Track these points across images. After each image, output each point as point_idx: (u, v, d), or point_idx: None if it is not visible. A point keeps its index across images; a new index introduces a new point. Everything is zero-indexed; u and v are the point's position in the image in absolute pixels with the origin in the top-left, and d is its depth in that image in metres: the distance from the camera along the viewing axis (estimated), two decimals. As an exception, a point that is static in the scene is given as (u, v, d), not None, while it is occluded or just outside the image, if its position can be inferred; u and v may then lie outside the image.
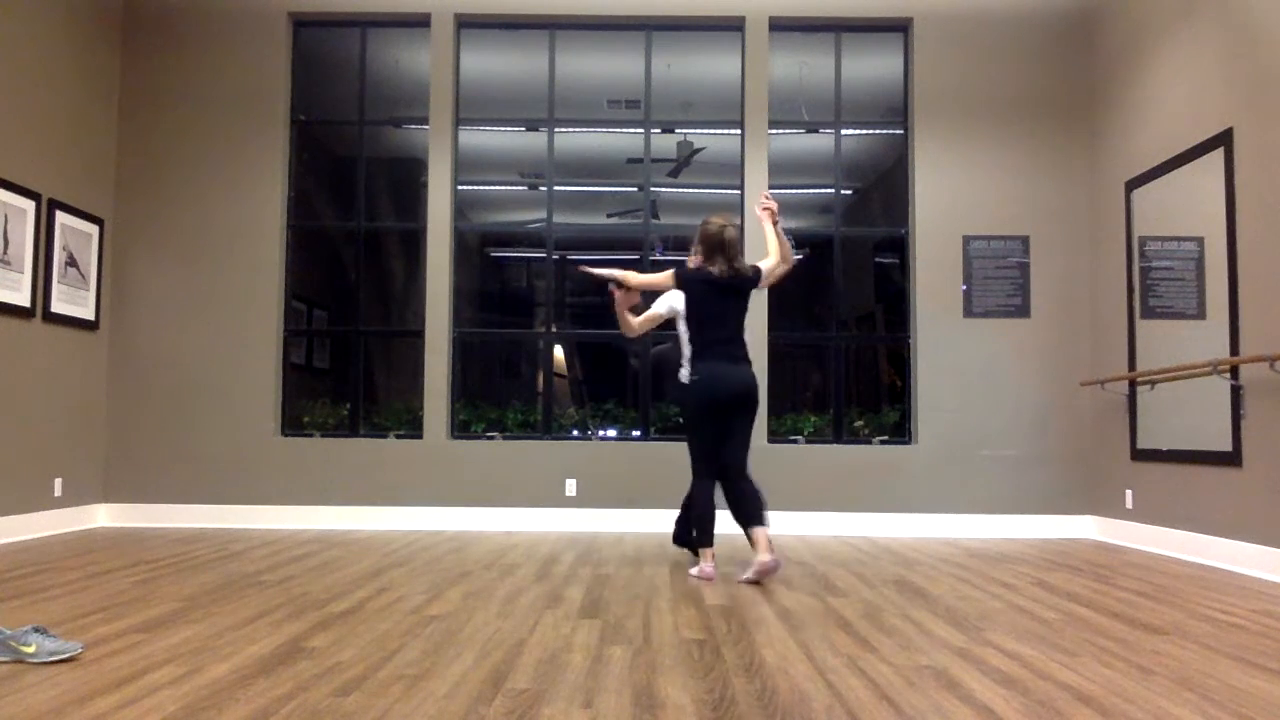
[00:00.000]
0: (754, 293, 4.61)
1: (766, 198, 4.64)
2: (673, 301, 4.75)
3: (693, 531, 4.52)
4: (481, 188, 7.13)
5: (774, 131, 6.72)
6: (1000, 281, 6.50)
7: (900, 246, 6.77)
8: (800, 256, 6.95)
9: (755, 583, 4.21)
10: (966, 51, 6.60)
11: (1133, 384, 5.89)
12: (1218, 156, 5.07)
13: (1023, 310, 6.48)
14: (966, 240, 6.52)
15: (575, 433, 6.74)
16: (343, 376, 6.78)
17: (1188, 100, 5.39)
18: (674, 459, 6.40)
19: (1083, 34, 6.58)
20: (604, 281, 4.62)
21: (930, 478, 6.39)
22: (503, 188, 7.36)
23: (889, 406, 6.76)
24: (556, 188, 6.82)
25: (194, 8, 6.66)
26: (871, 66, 6.85)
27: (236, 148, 6.60)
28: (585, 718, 2.24)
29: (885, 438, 6.60)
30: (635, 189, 6.92)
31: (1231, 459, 4.88)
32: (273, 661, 2.71)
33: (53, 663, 2.65)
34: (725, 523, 5.55)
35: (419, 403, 6.57)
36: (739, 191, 6.71)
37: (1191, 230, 5.34)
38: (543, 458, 6.47)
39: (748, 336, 4.60)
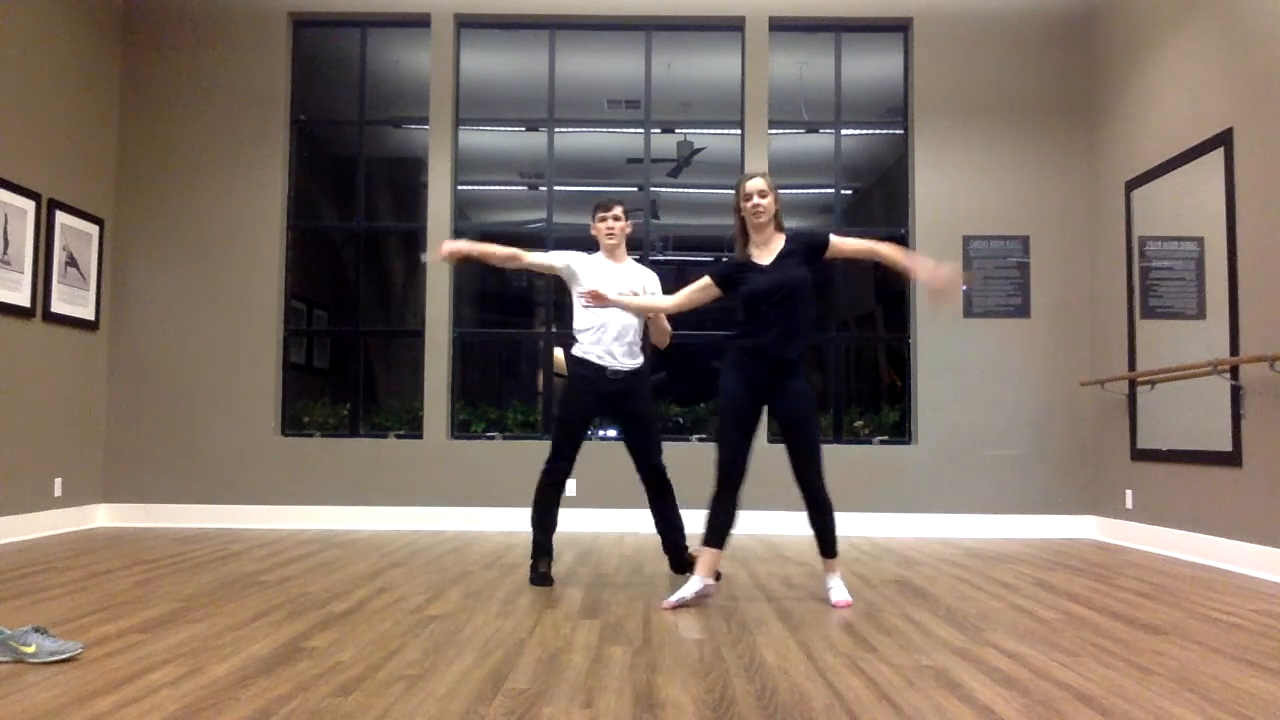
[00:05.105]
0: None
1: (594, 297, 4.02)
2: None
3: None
4: (481, 188, 7.13)
5: (774, 131, 6.71)
6: (1000, 281, 6.49)
7: (901, 246, 6.76)
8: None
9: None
10: (966, 51, 6.60)
11: (1133, 384, 5.88)
12: (1218, 156, 5.07)
13: (1023, 310, 6.48)
14: (966, 240, 6.51)
15: (575, 433, 6.73)
16: (343, 376, 6.78)
17: (1188, 100, 5.39)
18: (675, 459, 6.38)
19: (1083, 34, 6.58)
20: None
21: (930, 478, 6.38)
22: (503, 188, 7.37)
23: (889, 406, 6.76)
24: (556, 188, 6.82)
25: (194, 8, 6.66)
26: (871, 66, 6.85)
27: (236, 148, 6.60)
28: (585, 718, 2.23)
29: (885, 438, 6.60)
30: (635, 189, 6.92)
31: (1231, 459, 4.88)
32: (273, 661, 2.71)
33: (53, 663, 2.65)
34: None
35: (419, 403, 6.57)
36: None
37: (1191, 230, 5.34)
38: (543, 458, 6.42)
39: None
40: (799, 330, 3.71)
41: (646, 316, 4.29)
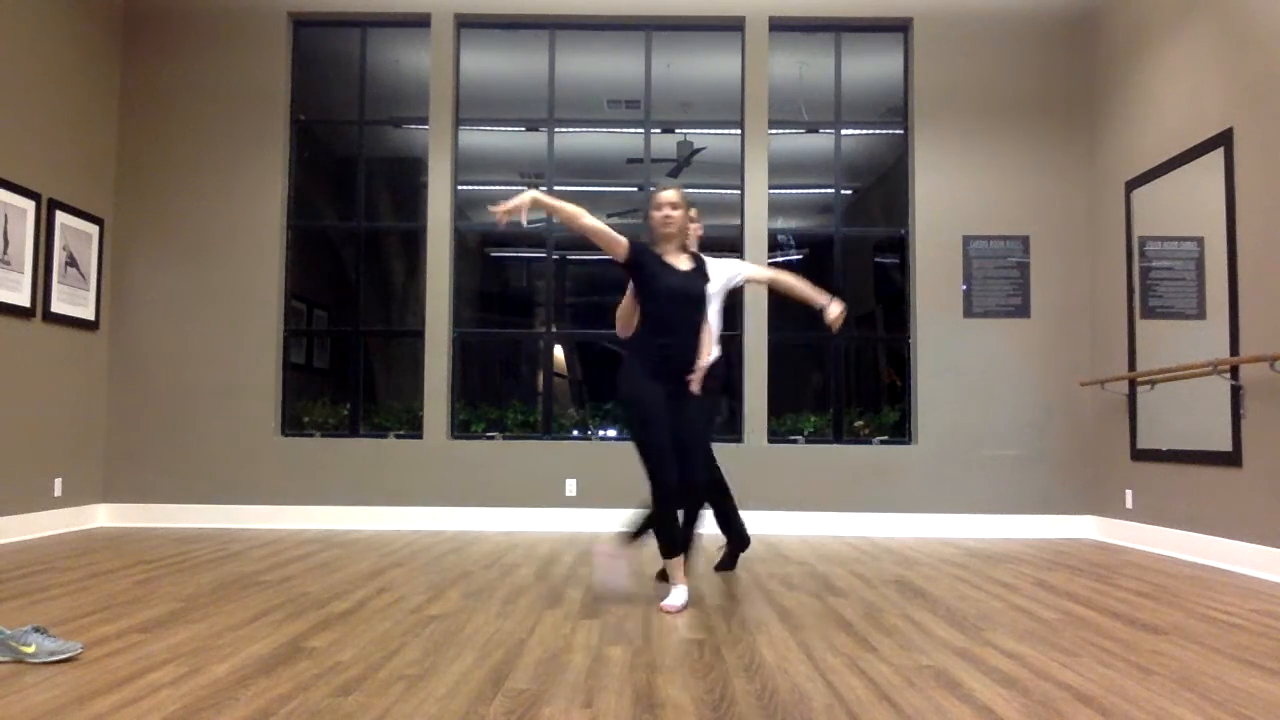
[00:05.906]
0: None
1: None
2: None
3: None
4: (481, 188, 7.13)
5: (774, 131, 6.72)
6: (1000, 281, 6.50)
7: (900, 246, 6.77)
8: (798, 256, 6.94)
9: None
10: (966, 51, 6.60)
11: (1133, 384, 5.89)
12: (1218, 156, 5.07)
13: (1023, 310, 6.48)
14: (966, 240, 6.52)
15: (575, 433, 6.74)
16: (343, 376, 6.78)
17: (1188, 100, 5.39)
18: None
19: (1083, 34, 6.58)
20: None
21: (930, 478, 6.38)
22: (503, 188, 7.36)
23: (889, 406, 6.76)
24: (556, 188, 6.82)
25: (194, 8, 6.66)
26: (871, 66, 6.85)
27: (236, 148, 6.60)
28: (585, 718, 2.24)
29: (885, 438, 6.60)
30: (635, 189, 6.92)
31: (1231, 459, 4.88)
32: (273, 661, 2.71)
33: (53, 663, 2.65)
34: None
35: (419, 403, 6.57)
36: (739, 191, 6.71)
37: (1191, 230, 5.34)
38: (543, 458, 6.46)
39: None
40: (698, 337, 3.76)
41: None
